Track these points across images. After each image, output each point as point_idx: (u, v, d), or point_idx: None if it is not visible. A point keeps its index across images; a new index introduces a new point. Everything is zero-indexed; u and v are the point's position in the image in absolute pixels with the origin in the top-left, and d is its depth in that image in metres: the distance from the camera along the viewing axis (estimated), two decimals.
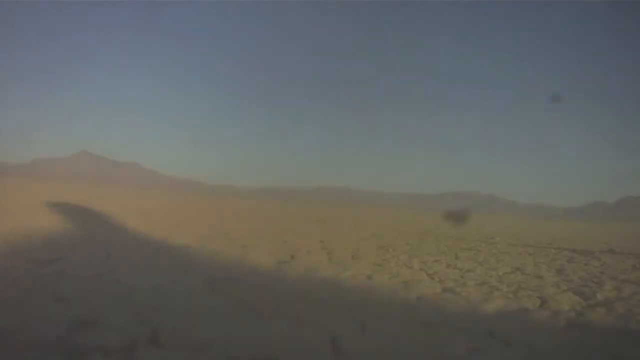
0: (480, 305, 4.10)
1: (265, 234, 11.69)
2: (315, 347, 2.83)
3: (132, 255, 5.79)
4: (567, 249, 11.19)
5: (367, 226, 20.02)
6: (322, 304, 3.95)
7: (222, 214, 23.20)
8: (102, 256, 5.59)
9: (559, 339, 3.12)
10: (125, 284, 4.11)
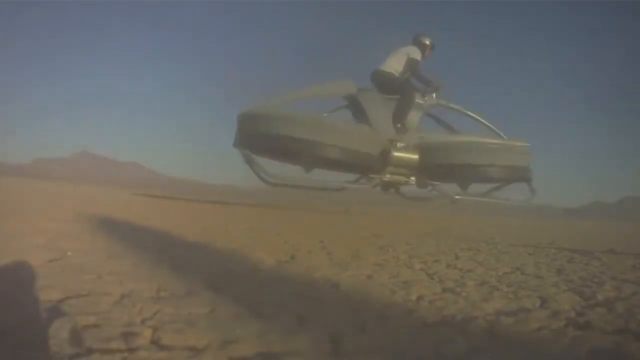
0: (480, 305, 4.11)
1: (266, 233, 11.68)
2: (315, 347, 2.83)
3: (133, 255, 5.79)
4: (567, 249, 11.19)
5: (367, 226, 20.02)
6: (322, 304, 3.95)
7: (223, 213, 23.20)
8: (103, 257, 5.59)
9: (559, 339, 3.12)
10: (126, 284, 4.12)
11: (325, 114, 4.67)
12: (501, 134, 4.59)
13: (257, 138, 4.06)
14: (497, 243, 12.68)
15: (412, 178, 4.52)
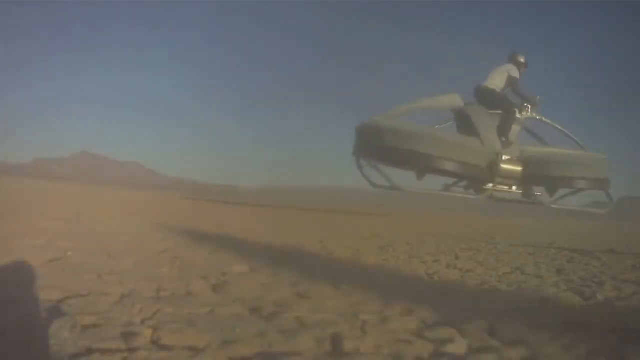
0: (480, 305, 4.11)
1: (266, 233, 11.69)
2: (315, 347, 2.83)
3: (132, 256, 5.79)
4: (567, 249, 11.19)
5: (368, 226, 20.01)
6: (322, 303, 3.96)
7: (222, 213, 23.20)
8: (103, 257, 5.60)
9: (559, 339, 3.12)
10: (126, 284, 4.12)
11: (436, 127, 5.20)
12: (583, 146, 5.09)
13: (378, 149, 4.57)
14: (497, 243, 12.69)
15: (514, 187, 5.04)
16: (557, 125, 5.29)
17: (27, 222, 8.89)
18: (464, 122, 5.11)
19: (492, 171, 4.78)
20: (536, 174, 4.87)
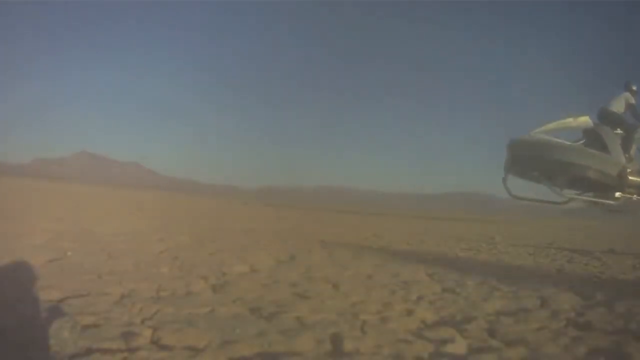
0: (480, 305, 4.11)
1: (266, 233, 11.69)
2: (315, 347, 2.83)
3: (132, 256, 5.79)
4: (567, 249, 11.19)
5: (368, 226, 20.02)
6: (322, 303, 3.96)
7: (222, 213, 23.22)
8: (103, 257, 5.60)
9: (559, 339, 3.12)
10: (126, 284, 4.12)
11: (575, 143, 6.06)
12: None
13: (537, 162, 5.51)
14: (497, 243, 12.69)
15: (635, 196, 5.70)
16: None
17: (27, 222, 8.89)
18: (593, 139, 5.95)
19: (622, 181, 5.62)
20: None
